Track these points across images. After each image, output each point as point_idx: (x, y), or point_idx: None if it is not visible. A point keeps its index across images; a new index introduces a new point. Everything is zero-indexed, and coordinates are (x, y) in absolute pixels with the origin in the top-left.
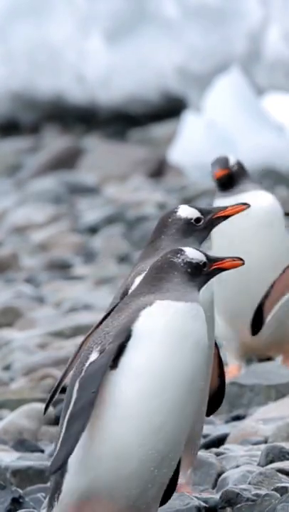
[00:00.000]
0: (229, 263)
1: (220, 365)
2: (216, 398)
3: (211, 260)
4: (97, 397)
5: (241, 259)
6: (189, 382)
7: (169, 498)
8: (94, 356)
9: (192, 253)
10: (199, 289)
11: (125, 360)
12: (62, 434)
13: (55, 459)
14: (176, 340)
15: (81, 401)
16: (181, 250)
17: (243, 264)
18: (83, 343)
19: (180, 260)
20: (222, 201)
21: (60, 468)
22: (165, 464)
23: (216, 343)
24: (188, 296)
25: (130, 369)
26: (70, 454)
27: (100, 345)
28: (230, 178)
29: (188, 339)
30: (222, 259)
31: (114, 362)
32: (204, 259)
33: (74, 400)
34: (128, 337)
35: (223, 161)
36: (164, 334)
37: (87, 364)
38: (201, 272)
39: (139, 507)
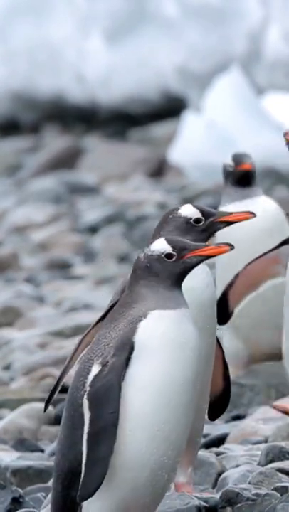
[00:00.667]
0: (212, 250)
1: (224, 367)
2: (220, 401)
3: (186, 249)
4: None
5: (230, 245)
6: (192, 387)
7: None
8: (96, 369)
9: (155, 245)
10: (176, 281)
11: (131, 372)
12: (85, 457)
13: (86, 485)
14: (175, 348)
15: (100, 422)
16: (149, 244)
17: (232, 249)
18: (81, 341)
19: (142, 255)
20: (237, 200)
21: (93, 493)
22: (174, 468)
23: (220, 345)
24: (173, 301)
25: (136, 381)
26: (103, 478)
27: (101, 358)
28: (252, 174)
29: (186, 346)
30: (204, 246)
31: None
32: (167, 249)
33: (90, 420)
34: (131, 350)
35: (248, 156)
36: (163, 344)
37: (90, 377)
38: (168, 263)
39: (150, 510)
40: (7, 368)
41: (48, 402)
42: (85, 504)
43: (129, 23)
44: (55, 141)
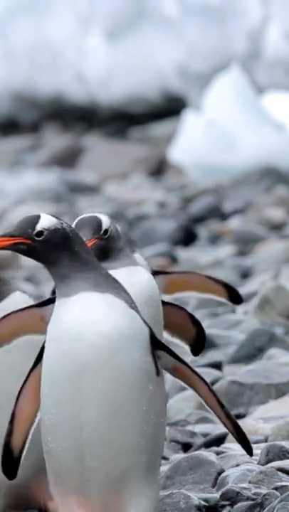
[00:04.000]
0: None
1: (190, 315)
2: (198, 343)
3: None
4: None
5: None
6: (77, 378)
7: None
8: None
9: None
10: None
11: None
12: None
13: None
14: (52, 342)
15: None
16: None
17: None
18: None
19: None
20: None
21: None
22: (89, 456)
23: (181, 307)
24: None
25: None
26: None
27: None
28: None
29: (63, 338)
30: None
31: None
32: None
33: None
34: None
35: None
36: (48, 340)
37: None
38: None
39: (111, 484)
40: None
41: None
42: None
43: (129, 22)
44: (55, 140)
